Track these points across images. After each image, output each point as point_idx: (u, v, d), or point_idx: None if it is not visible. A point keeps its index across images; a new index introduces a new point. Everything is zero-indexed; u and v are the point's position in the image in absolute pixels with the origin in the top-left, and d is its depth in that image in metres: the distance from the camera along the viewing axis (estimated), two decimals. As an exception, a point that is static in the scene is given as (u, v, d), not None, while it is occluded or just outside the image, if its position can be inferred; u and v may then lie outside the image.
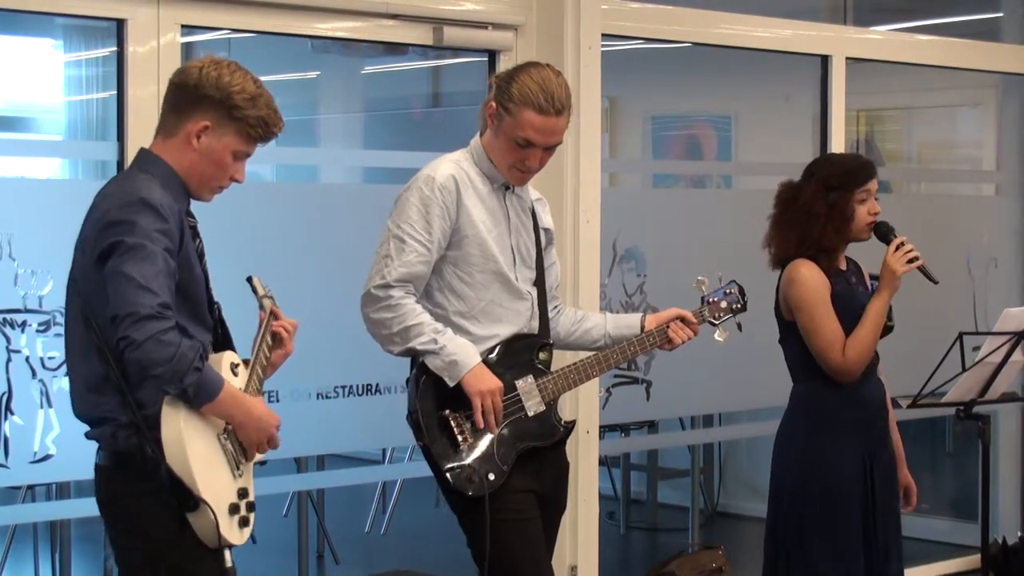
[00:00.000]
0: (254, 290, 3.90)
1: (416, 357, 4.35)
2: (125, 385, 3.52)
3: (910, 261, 4.86)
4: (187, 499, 3.49)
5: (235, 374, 3.68)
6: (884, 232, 4.93)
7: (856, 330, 4.85)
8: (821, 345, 4.87)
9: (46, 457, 5.08)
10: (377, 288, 4.30)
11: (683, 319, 4.62)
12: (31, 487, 6.76)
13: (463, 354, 4.28)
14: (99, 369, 3.58)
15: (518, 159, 4.36)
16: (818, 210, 4.88)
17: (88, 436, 3.69)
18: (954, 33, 7.87)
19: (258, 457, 3.75)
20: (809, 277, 4.88)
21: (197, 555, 3.56)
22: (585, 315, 4.73)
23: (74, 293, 3.66)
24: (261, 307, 3.89)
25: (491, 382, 4.29)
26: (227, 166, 3.73)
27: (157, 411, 3.51)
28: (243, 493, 3.63)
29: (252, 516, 3.65)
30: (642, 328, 4.61)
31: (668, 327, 4.60)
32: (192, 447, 3.50)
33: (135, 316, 3.41)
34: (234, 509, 3.60)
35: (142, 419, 3.52)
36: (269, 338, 3.82)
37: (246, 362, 3.77)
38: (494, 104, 4.35)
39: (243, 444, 3.67)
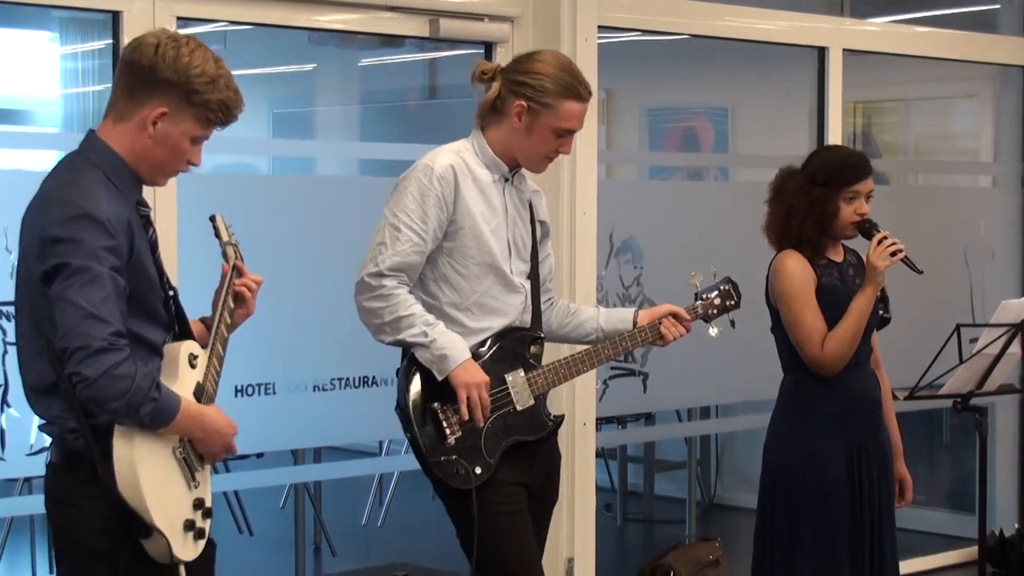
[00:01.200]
0: (217, 233, 3.73)
1: (407, 349, 4.35)
2: (74, 394, 3.32)
3: (893, 254, 4.83)
4: (140, 527, 3.37)
5: (193, 366, 3.53)
6: (867, 229, 4.90)
7: (838, 325, 4.85)
8: (800, 338, 4.88)
9: (43, 449, 5.06)
10: (370, 276, 4.30)
11: (676, 315, 4.62)
12: (28, 479, 6.76)
13: (453, 348, 4.27)
14: (48, 375, 3.41)
15: (553, 149, 4.41)
16: (798, 204, 4.88)
17: (41, 429, 3.56)
18: (951, 25, 7.87)
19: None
20: (793, 269, 4.88)
21: (141, 564, 3.43)
22: (578, 308, 4.73)
23: (24, 295, 3.49)
24: (224, 255, 3.72)
25: (478, 376, 4.28)
26: (184, 152, 3.50)
27: (106, 420, 3.35)
28: (199, 503, 3.52)
29: (208, 523, 3.53)
30: (635, 323, 4.62)
31: (660, 323, 4.60)
32: (145, 473, 3.37)
33: (87, 350, 3.24)
34: (189, 526, 3.47)
35: (89, 429, 3.36)
36: (231, 300, 3.66)
37: (204, 320, 3.66)
38: (524, 103, 4.33)
39: (202, 455, 3.55)
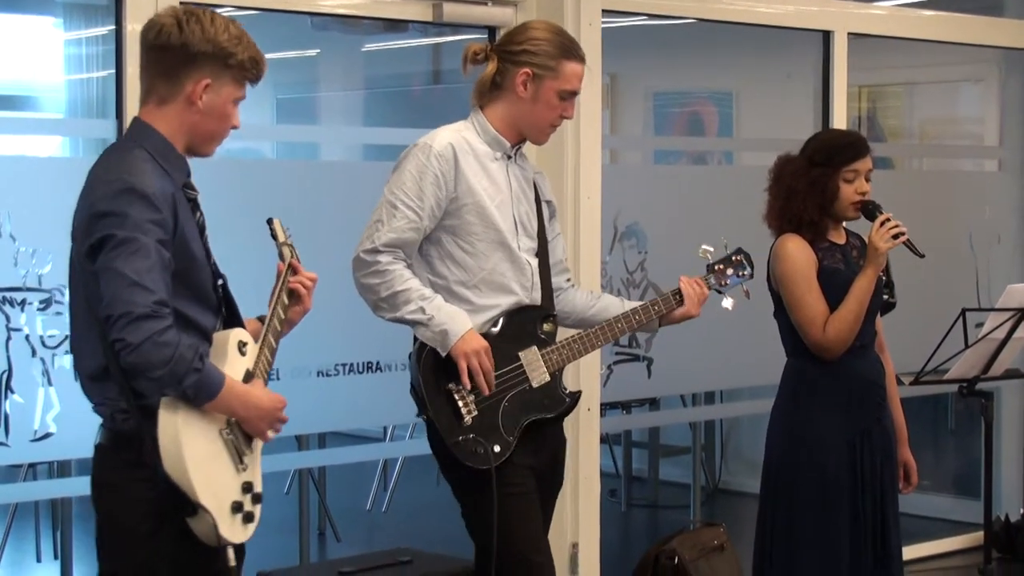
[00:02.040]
0: (273, 235, 3.80)
1: (406, 326, 4.35)
2: (122, 376, 3.39)
3: (895, 237, 4.82)
4: (185, 505, 3.37)
5: (243, 353, 3.56)
6: (870, 210, 4.90)
7: (839, 308, 4.84)
8: (802, 321, 4.87)
9: (46, 435, 5.08)
10: (366, 252, 4.32)
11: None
12: (32, 465, 6.77)
13: (452, 322, 4.27)
14: (101, 360, 3.46)
15: (557, 115, 4.44)
16: (798, 186, 4.88)
17: (94, 411, 3.59)
18: (956, 8, 7.84)
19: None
20: (794, 252, 4.87)
21: (185, 548, 3.44)
22: (600, 294, 4.74)
23: (77, 280, 3.55)
24: (280, 255, 3.79)
25: (475, 343, 4.28)
26: (229, 116, 3.60)
27: (156, 401, 3.39)
28: (247, 487, 3.51)
29: (258, 508, 3.54)
30: None
31: (680, 284, 4.59)
32: (190, 451, 3.37)
33: (129, 316, 3.28)
34: (237, 507, 3.47)
35: (138, 410, 3.41)
36: (285, 296, 3.72)
37: (261, 319, 3.70)
38: (529, 70, 4.37)
39: (251, 435, 3.56)
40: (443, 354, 4.28)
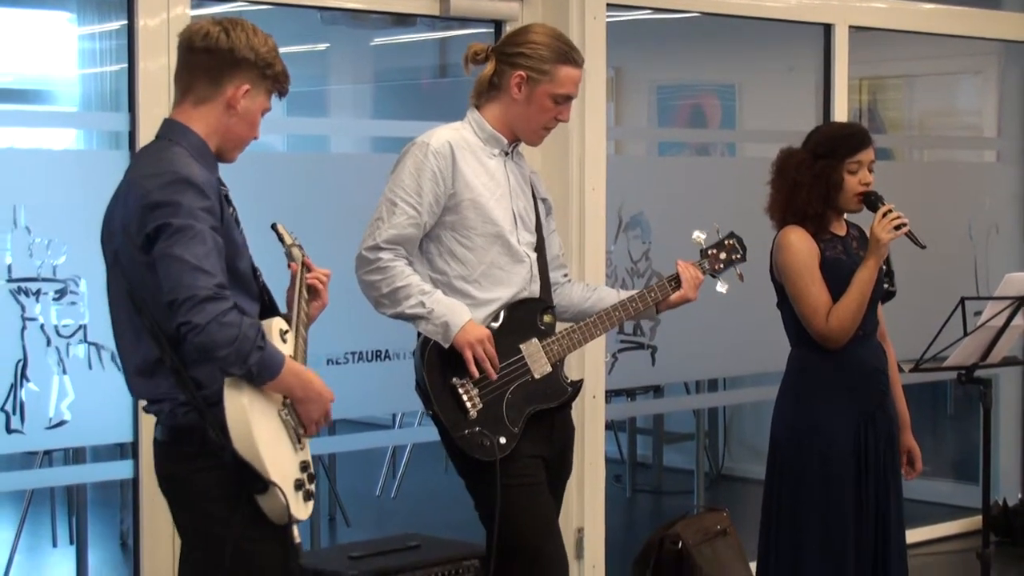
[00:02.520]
0: (280, 239, 3.85)
1: (408, 322, 4.35)
2: (181, 366, 3.45)
3: (897, 228, 4.82)
4: (255, 481, 3.43)
5: (284, 340, 3.61)
6: (873, 201, 4.89)
7: (842, 298, 4.83)
8: (805, 311, 4.86)
9: (61, 423, 5.07)
10: (367, 250, 4.33)
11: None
12: (47, 452, 6.77)
13: (452, 314, 4.28)
14: (152, 352, 3.50)
15: (551, 117, 4.43)
16: (802, 178, 4.87)
17: (146, 410, 3.63)
18: (955, 1, 7.82)
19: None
20: (796, 243, 4.87)
21: (258, 530, 3.50)
22: (598, 287, 4.74)
23: (118, 275, 3.56)
24: (289, 257, 3.83)
25: (478, 332, 4.29)
26: (256, 125, 3.68)
27: (215, 390, 3.44)
28: (304, 466, 3.58)
29: (313, 487, 3.60)
30: None
31: (677, 268, 4.58)
32: (258, 428, 3.43)
33: (194, 299, 3.33)
34: (299, 485, 3.53)
35: (202, 400, 3.46)
36: (306, 292, 3.77)
37: (285, 317, 3.72)
38: (523, 73, 4.37)
39: (302, 419, 3.61)
40: (446, 346, 4.28)
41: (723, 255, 4.73)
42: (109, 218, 3.61)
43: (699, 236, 4.71)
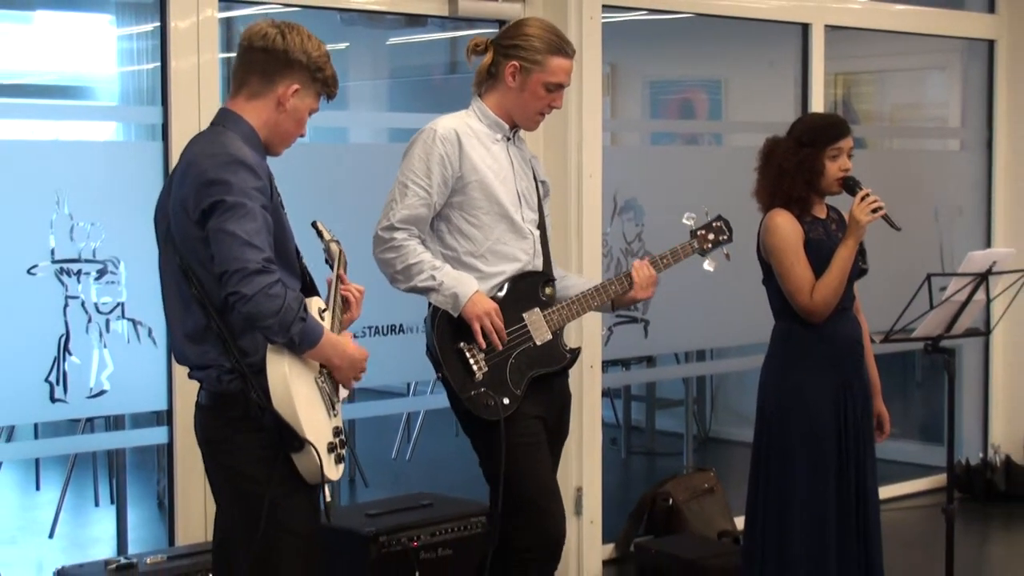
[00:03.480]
0: (320, 235, 3.86)
1: (421, 295, 4.34)
2: (228, 335, 3.45)
3: (874, 211, 4.81)
4: (293, 440, 3.42)
5: (322, 318, 3.60)
6: (851, 185, 4.88)
7: (824, 275, 4.81)
8: (790, 288, 4.84)
9: (101, 392, 5.07)
10: (383, 230, 4.34)
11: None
12: (89, 420, 6.76)
13: (460, 286, 4.28)
14: (200, 321, 3.49)
15: (545, 104, 4.42)
16: (787, 165, 4.85)
17: (191, 376, 3.62)
18: (924, 2, 7.82)
19: (344, 394, 3.69)
20: (782, 225, 4.84)
21: (291, 490, 3.50)
22: (566, 275, 4.68)
23: (170, 250, 3.55)
24: (327, 251, 3.84)
25: (486, 304, 4.29)
26: (303, 123, 3.66)
27: (259, 359, 3.44)
28: (338, 431, 3.58)
29: (345, 452, 3.59)
30: None
31: (632, 268, 4.54)
32: (296, 392, 3.43)
33: (244, 272, 3.33)
34: (331, 448, 3.53)
35: (247, 366, 3.45)
36: (341, 300, 3.77)
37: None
38: (516, 63, 4.36)
39: (338, 383, 3.62)
40: (455, 315, 4.28)
41: (711, 236, 4.71)
42: (163, 197, 3.61)
43: (690, 216, 4.70)
